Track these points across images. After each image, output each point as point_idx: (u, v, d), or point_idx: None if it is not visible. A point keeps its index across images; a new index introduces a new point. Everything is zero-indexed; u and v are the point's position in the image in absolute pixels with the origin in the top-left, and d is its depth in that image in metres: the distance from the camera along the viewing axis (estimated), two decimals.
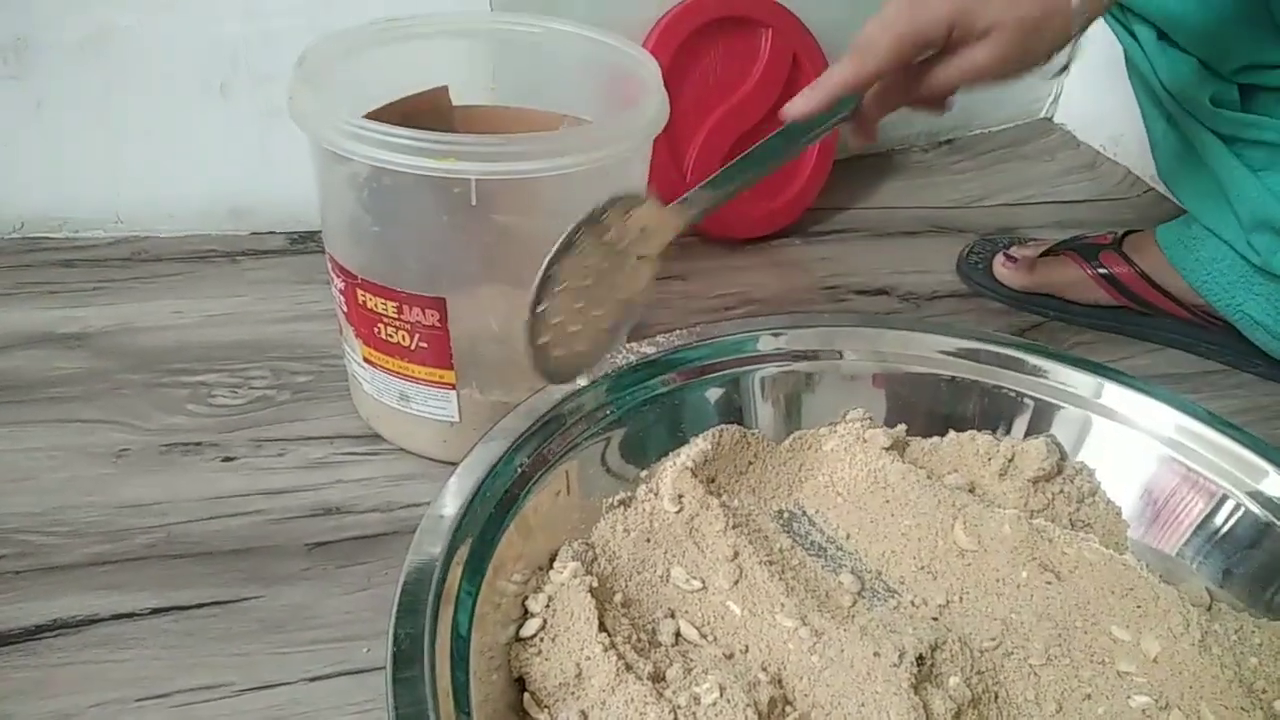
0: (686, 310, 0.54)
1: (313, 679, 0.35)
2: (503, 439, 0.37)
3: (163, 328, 0.50)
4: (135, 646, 0.35)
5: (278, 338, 0.50)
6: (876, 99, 0.38)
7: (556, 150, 0.36)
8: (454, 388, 0.41)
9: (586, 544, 0.38)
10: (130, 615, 0.37)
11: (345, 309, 0.41)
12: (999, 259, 0.57)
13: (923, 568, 0.38)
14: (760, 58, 0.58)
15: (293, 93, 0.38)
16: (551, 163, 0.36)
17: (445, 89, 0.45)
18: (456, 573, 0.32)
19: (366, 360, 0.42)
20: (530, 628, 0.34)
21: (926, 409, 0.43)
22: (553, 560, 0.37)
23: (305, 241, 0.57)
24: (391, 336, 0.40)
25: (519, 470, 0.36)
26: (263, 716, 0.34)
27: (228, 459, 0.43)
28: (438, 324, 0.39)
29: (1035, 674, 0.34)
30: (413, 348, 0.40)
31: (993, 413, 0.42)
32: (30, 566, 0.38)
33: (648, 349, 0.42)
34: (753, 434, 0.42)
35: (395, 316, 0.39)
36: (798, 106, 0.38)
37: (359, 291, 0.40)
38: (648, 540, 0.39)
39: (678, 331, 0.43)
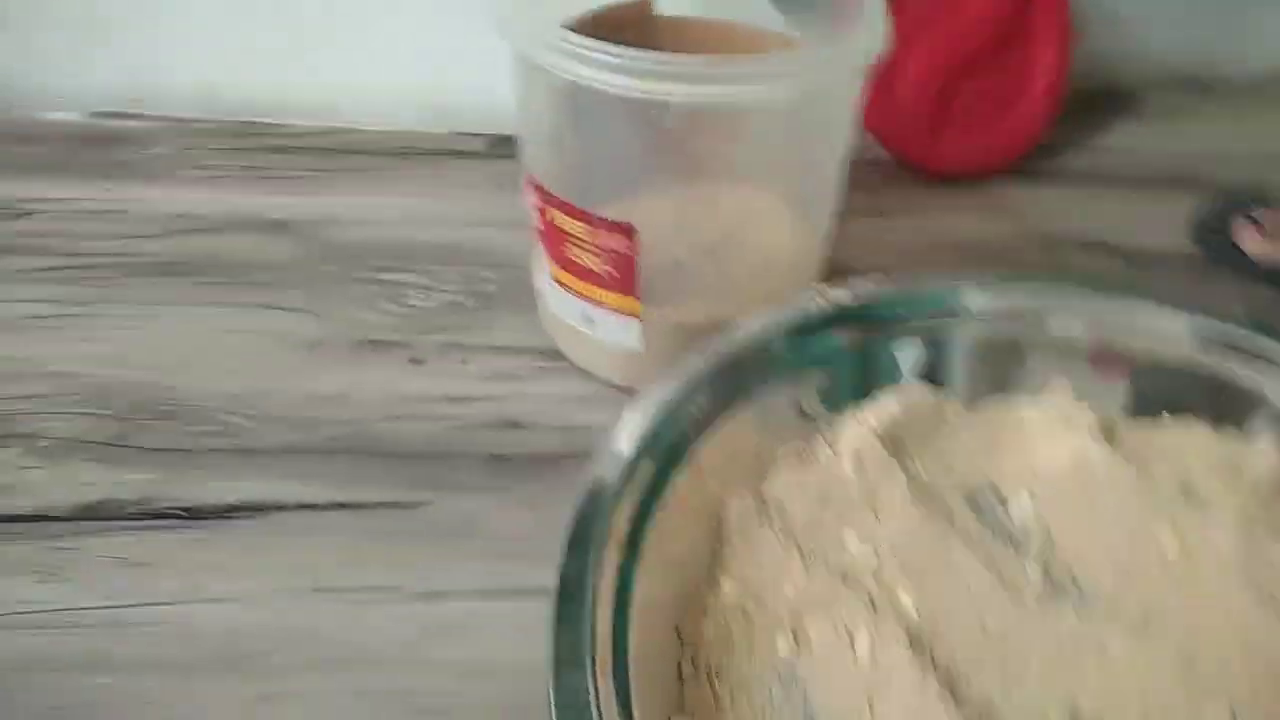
0: (885, 250, 0.51)
1: (481, 593, 0.36)
2: (681, 379, 0.36)
3: (363, 222, 0.51)
4: (316, 537, 0.37)
5: (471, 243, 0.50)
6: None
7: (762, 75, 0.34)
8: (638, 316, 0.40)
9: (758, 496, 0.37)
10: (313, 506, 0.38)
11: (537, 225, 0.41)
12: (1243, 224, 0.52)
13: (1119, 570, 0.36)
14: None
15: (501, 11, 0.36)
16: (756, 88, 0.34)
17: None
18: (625, 514, 0.32)
19: (554, 279, 0.41)
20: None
21: (1145, 391, 0.39)
22: (723, 508, 0.36)
23: (504, 145, 0.57)
24: (580, 258, 0.39)
25: (695, 413, 0.35)
26: (431, 624, 0.34)
27: (415, 360, 0.44)
28: (626, 250, 0.38)
29: (1235, 712, 0.31)
30: (600, 272, 0.39)
31: (1222, 405, 0.38)
32: (226, 446, 0.40)
33: (841, 295, 0.39)
34: (947, 398, 0.40)
35: (585, 239, 0.38)
36: None
37: (551, 209, 0.39)
38: (822, 501, 0.37)
39: (874, 277, 0.40)
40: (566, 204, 0.38)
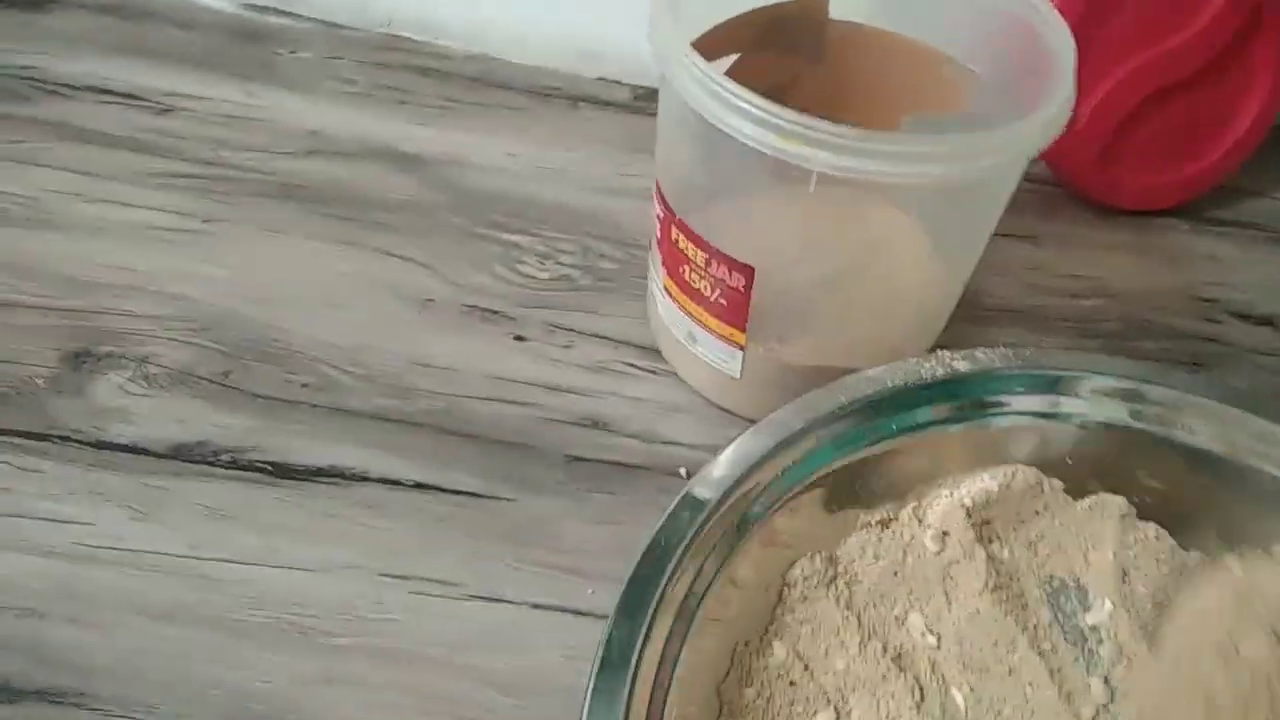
0: (1026, 285, 0.48)
1: (534, 605, 0.36)
2: (771, 433, 0.35)
3: (493, 168, 0.51)
4: (393, 517, 0.38)
5: (595, 210, 0.49)
6: None
7: (921, 155, 0.31)
8: (742, 347, 0.39)
9: (829, 559, 0.36)
10: (396, 482, 0.39)
11: (658, 235, 0.39)
12: None
13: (1185, 701, 0.34)
14: (1210, 2, 0.47)
15: (654, 11, 0.34)
16: (913, 168, 0.32)
17: None
18: (686, 581, 0.31)
19: (666, 290, 0.40)
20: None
21: (1262, 513, 0.37)
22: (790, 569, 0.35)
23: (647, 100, 0.55)
24: (694, 282, 0.38)
25: (778, 475, 0.34)
26: (484, 629, 0.35)
27: (519, 337, 0.44)
28: (742, 288, 0.36)
29: None
30: (712, 299, 0.38)
31: None
32: (323, 403, 0.41)
33: (960, 364, 0.37)
34: (1050, 483, 0.38)
35: (702, 266, 0.37)
36: None
37: (674, 229, 0.37)
38: (895, 574, 0.36)
39: (1000, 350, 0.38)
40: (690, 230, 0.36)
